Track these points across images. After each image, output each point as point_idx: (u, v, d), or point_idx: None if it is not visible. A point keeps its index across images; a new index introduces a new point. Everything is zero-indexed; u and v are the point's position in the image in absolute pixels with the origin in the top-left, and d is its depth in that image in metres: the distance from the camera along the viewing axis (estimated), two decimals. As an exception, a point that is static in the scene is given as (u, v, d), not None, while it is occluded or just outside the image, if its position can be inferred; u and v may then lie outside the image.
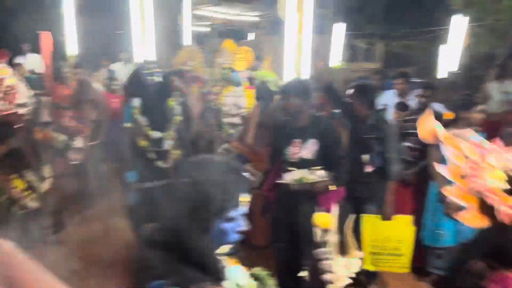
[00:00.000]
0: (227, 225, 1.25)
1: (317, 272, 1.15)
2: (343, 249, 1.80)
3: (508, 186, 1.23)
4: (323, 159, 3.06)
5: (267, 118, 4.09)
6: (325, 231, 1.10)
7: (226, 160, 1.31)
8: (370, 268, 3.50)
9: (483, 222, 1.27)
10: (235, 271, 1.26)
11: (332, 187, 3.01)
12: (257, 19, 12.00)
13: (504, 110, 5.32)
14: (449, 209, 3.51)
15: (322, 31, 12.64)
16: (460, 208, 3.36)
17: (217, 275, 1.20)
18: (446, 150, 1.37)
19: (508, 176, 1.24)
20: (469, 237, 3.44)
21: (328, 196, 3.05)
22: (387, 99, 5.14)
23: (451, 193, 1.33)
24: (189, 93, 4.75)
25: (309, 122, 3.14)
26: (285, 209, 3.11)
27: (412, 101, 4.60)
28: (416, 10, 15.37)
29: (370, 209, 3.44)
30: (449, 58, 10.18)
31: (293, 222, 3.03)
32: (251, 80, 4.69)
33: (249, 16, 11.94)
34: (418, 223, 3.81)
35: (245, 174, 3.86)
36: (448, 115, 3.93)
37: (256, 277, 1.31)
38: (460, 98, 3.60)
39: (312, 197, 2.98)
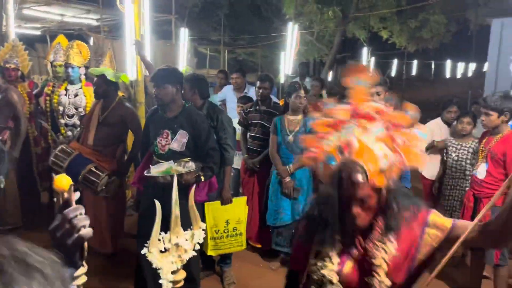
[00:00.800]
0: None
1: (68, 232, 1.04)
2: (187, 222, 1.78)
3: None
4: (193, 150, 2.99)
5: (110, 114, 3.86)
6: (63, 192, 1.03)
7: None
8: (212, 254, 3.57)
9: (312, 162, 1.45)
10: None
11: (202, 178, 2.96)
12: (96, 22, 11.31)
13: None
14: (286, 189, 3.81)
15: (167, 36, 12.61)
16: (297, 190, 3.63)
17: None
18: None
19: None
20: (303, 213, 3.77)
21: (199, 187, 3.00)
22: (226, 94, 5.41)
23: (306, 141, 1.50)
24: (10, 90, 4.20)
25: (179, 113, 3.03)
26: (153, 202, 2.93)
27: (251, 94, 4.89)
28: (257, 19, 16.46)
29: (210, 195, 3.46)
30: (287, 63, 11.05)
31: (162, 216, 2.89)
32: (88, 76, 4.37)
33: (87, 18, 11.19)
34: (265, 206, 4.04)
35: (89, 175, 3.52)
36: (281, 101, 4.41)
37: None
38: (287, 88, 3.99)
39: (181, 189, 2.85)
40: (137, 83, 4.28)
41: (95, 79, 3.88)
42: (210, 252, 3.56)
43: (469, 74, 34.42)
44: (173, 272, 1.59)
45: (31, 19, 10.55)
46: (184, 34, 10.90)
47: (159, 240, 1.59)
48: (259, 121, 4.21)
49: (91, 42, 11.70)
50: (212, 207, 3.48)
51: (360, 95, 1.41)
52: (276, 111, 4.20)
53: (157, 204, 1.65)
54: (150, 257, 1.55)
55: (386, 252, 1.37)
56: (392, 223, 1.37)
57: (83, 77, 4.36)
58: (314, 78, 7.40)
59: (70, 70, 4.25)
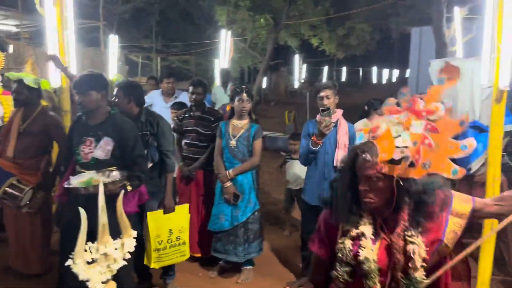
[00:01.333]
0: None
1: None
2: (117, 231, 1.68)
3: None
4: (119, 159, 2.84)
5: (32, 123, 3.60)
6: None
7: None
8: (155, 266, 3.44)
9: None
10: None
11: (129, 188, 2.81)
12: (15, 28, 10.61)
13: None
14: (226, 194, 3.77)
15: (95, 43, 12.13)
16: (236, 196, 3.58)
17: None
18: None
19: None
20: (242, 220, 3.74)
21: (128, 198, 2.83)
22: (153, 99, 5.27)
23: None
24: None
25: (104, 120, 2.87)
26: (76, 215, 2.68)
27: (183, 100, 4.81)
28: (189, 26, 16.32)
29: (152, 205, 3.40)
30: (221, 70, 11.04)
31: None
32: (6, 85, 4.05)
33: (6, 25, 10.46)
34: (208, 213, 3.98)
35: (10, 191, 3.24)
36: (228, 107, 4.39)
37: None
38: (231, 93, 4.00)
39: (106, 199, 2.62)
40: (61, 90, 4.02)
41: (14, 86, 3.60)
42: (153, 265, 3.42)
43: (394, 79, 36.63)
44: (103, 283, 1.49)
45: None
46: (113, 41, 10.53)
47: (86, 250, 1.48)
48: (194, 127, 4.13)
49: (11, 50, 10.94)
50: (155, 217, 3.37)
51: (434, 94, 1.48)
52: (211, 116, 4.15)
53: (82, 212, 1.54)
54: (75, 269, 1.43)
55: (416, 244, 1.45)
56: (418, 217, 1.45)
57: None
58: (234, 83, 7.59)
59: (-15, 77, 3.93)
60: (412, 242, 1.44)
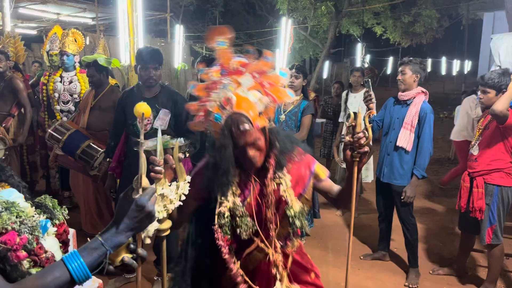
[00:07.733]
0: None
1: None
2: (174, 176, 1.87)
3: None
4: (174, 129, 3.02)
5: (102, 99, 3.94)
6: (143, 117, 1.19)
7: None
8: None
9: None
10: None
11: (187, 154, 3.01)
12: (91, 21, 11.40)
13: None
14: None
15: (163, 35, 12.75)
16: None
17: None
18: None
19: None
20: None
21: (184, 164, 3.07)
22: None
23: (191, 108, 1.60)
24: (14, 77, 4.40)
25: (158, 92, 3.05)
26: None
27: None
28: (252, 17, 16.57)
29: None
30: (282, 58, 11.12)
31: None
32: (82, 64, 4.47)
33: (83, 17, 11.28)
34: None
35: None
36: None
37: None
38: None
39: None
40: (130, 68, 4.38)
41: (88, 70, 3.93)
42: None
43: (465, 71, 34.49)
44: (159, 221, 1.68)
45: (27, 18, 10.62)
46: (179, 31, 11.00)
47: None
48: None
49: (87, 41, 11.81)
50: None
51: (225, 54, 1.55)
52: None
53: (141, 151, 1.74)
54: (137, 203, 1.64)
55: (286, 183, 1.61)
56: (282, 160, 1.61)
57: (77, 64, 4.46)
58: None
59: (65, 57, 4.35)
60: (280, 183, 1.59)
